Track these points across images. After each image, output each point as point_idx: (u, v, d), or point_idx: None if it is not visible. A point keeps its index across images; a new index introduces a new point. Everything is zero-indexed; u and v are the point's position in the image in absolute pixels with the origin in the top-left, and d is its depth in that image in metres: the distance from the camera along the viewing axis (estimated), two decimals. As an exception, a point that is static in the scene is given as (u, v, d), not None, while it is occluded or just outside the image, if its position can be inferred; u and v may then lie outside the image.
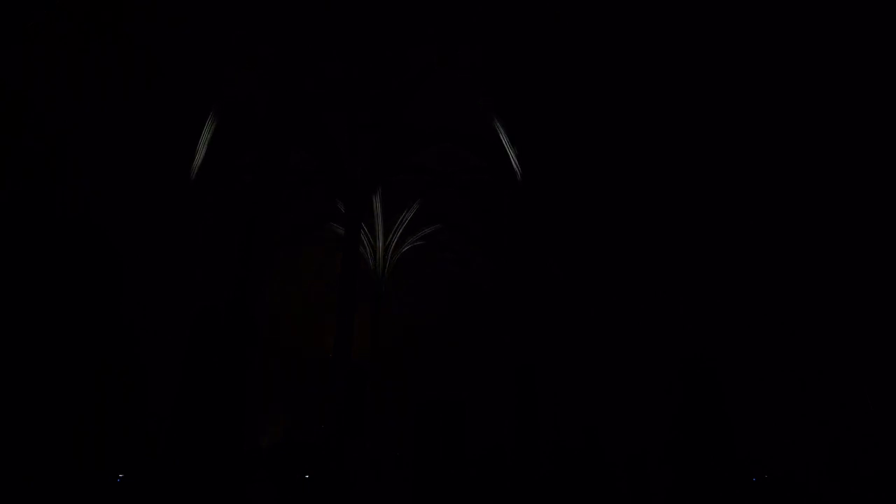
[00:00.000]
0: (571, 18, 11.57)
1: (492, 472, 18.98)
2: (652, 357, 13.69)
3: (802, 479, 10.53)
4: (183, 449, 11.99)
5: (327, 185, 17.13)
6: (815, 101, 12.61)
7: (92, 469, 10.22)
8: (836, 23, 11.17)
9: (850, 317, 10.72)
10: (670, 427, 11.71)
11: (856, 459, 9.86)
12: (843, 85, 11.85)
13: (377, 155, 15.54)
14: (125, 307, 12.78)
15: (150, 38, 12.34)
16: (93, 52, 11.69)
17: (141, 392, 12.58)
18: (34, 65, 10.32)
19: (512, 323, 21.09)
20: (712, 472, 11.78)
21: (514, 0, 11.76)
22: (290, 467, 16.28)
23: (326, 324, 15.45)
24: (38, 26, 10.15)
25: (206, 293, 15.36)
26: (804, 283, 12.07)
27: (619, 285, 14.66)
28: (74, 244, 11.80)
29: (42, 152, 10.64)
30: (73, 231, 11.72)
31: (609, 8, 11.62)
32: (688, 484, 10.34)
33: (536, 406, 13.21)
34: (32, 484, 9.31)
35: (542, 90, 14.41)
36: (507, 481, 14.11)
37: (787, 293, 12.38)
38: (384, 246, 20.77)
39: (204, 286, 15.27)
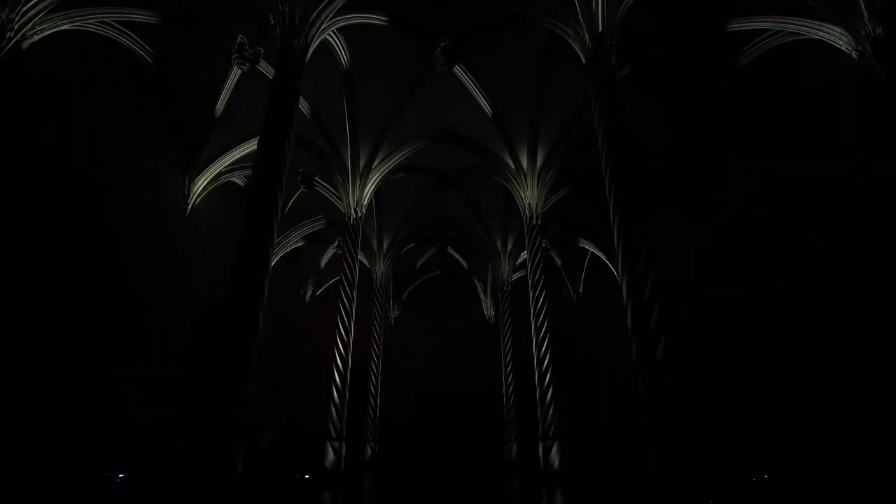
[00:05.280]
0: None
1: (491, 469, 19.03)
2: (651, 355, 13.65)
3: (802, 479, 10.55)
4: (183, 447, 12.02)
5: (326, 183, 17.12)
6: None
7: (92, 468, 10.23)
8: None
9: (850, 316, 10.74)
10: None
11: (856, 459, 9.88)
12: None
13: (375, 155, 15.54)
14: (125, 306, 12.79)
15: (150, 37, 12.32)
16: (94, 50, 11.65)
17: (141, 391, 12.59)
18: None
19: (512, 321, 21.10)
20: (712, 472, 11.81)
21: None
22: (289, 466, 16.33)
23: (327, 321, 15.45)
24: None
25: (206, 292, 15.40)
26: (804, 283, 12.08)
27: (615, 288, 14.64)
28: (73, 243, 11.79)
29: (41, 151, 10.61)
30: (72, 229, 11.72)
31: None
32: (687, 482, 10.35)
33: (537, 404, 13.22)
34: (30, 484, 9.30)
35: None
36: (507, 478, 14.12)
37: (787, 292, 12.39)
38: (386, 244, 20.80)
39: (204, 285, 15.28)
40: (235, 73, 13.30)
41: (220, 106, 14.05)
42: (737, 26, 11.40)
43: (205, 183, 15.35)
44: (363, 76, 13.77)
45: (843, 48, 9.66)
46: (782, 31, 11.05)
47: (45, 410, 10.50)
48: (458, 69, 13.38)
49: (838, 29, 9.64)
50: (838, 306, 11.09)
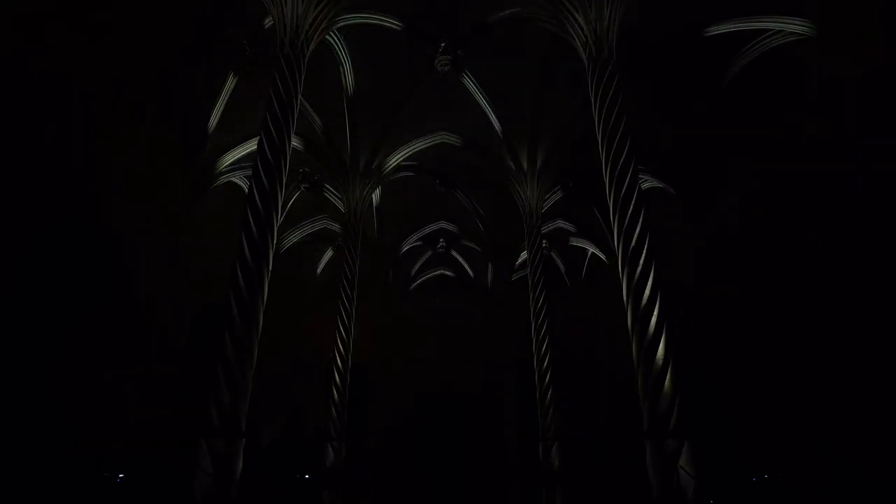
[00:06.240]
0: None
1: (492, 469, 19.03)
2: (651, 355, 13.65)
3: (802, 479, 10.55)
4: (183, 447, 12.00)
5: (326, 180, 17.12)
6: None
7: (92, 468, 10.22)
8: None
9: (850, 316, 10.73)
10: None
11: (856, 459, 9.87)
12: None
13: (375, 155, 15.56)
14: (125, 306, 12.78)
15: (149, 37, 12.31)
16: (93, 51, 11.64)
17: (141, 391, 12.59)
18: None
19: (512, 321, 21.09)
20: (712, 472, 11.79)
21: None
22: (289, 466, 16.32)
23: (327, 321, 15.44)
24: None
25: (206, 292, 15.38)
26: (804, 283, 12.08)
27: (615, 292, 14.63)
28: (73, 243, 11.79)
29: (41, 151, 10.61)
30: (72, 229, 11.71)
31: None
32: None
33: (537, 403, 13.23)
34: (30, 484, 9.30)
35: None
36: (507, 478, 14.13)
37: (787, 292, 12.40)
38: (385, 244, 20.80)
39: (204, 285, 15.26)
40: (235, 74, 13.30)
41: (219, 106, 14.06)
42: (734, 27, 11.40)
43: (204, 183, 15.34)
44: (363, 76, 13.77)
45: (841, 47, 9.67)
46: (783, 30, 11.05)
47: (46, 410, 10.50)
48: (458, 69, 13.39)
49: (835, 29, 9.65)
50: (838, 306, 11.09)
